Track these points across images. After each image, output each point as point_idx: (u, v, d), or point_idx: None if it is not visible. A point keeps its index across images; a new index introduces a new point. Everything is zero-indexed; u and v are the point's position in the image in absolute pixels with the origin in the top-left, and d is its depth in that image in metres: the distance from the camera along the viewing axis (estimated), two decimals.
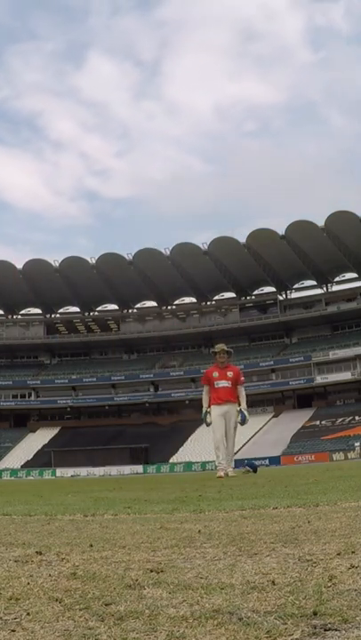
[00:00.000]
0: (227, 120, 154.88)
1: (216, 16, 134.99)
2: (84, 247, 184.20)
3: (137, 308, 78.03)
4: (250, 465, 11.99)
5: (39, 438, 67.06)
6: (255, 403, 67.09)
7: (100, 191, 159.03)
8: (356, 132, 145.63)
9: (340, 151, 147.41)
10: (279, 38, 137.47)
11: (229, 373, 9.48)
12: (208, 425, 9.43)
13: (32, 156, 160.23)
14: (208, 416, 9.37)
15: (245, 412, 9.48)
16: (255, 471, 11.13)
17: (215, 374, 9.44)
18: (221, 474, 9.02)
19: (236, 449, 10.71)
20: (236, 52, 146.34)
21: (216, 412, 9.26)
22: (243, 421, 9.46)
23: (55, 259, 71.92)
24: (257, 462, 41.74)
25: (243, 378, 9.82)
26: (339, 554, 1.94)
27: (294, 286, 73.25)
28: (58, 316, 79.02)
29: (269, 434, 59.70)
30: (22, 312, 78.29)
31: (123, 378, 71.15)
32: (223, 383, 9.32)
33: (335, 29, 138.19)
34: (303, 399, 66.45)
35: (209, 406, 9.37)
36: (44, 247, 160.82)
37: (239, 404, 9.48)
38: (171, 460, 57.03)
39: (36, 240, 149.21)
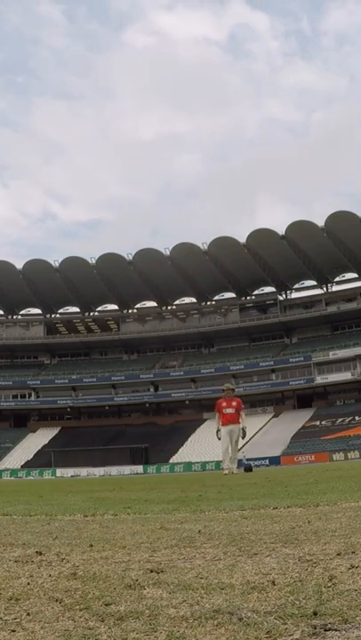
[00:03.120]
0: (165, 152, 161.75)
1: (158, 62, 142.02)
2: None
3: (137, 308, 77.95)
4: (245, 466, 14.23)
5: (39, 438, 67.02)
6: (255, 403, 67.08)
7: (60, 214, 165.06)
8: None
9: None
10: (218, 86, 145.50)
11: (234, 403, 13.23)
12: (219, 439, 13.00)
13: None
14: (219, 432, 13.01)
15: (245, 429, 13.13)
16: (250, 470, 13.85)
17: (224, 404, 13.18)
18: (226, 472, 12.71)
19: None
20: (178, 95, 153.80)
21: (224, 431, 12.93)
22: (243, 436, 13.08)
23: (55, 259, 72.03)
24: (257, 462, 41.76)
25: (243, 406, 13.57)
26: (339, 554, 1.94)
27: (294, 286, 73.16)
28: (58, 316, 78.99)
29: (269, 434, 59.66)
30: (22, 312, 78.26)
31: (123, 378, 71.08)
32: (229, 410, 13.08)
33: (268, 76, 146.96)
34: (303, 399, 66.40)
35: (219, 426, 13.00)
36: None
37: (240, 423, 13.09)
38: (171, 461, 57.00)
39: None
